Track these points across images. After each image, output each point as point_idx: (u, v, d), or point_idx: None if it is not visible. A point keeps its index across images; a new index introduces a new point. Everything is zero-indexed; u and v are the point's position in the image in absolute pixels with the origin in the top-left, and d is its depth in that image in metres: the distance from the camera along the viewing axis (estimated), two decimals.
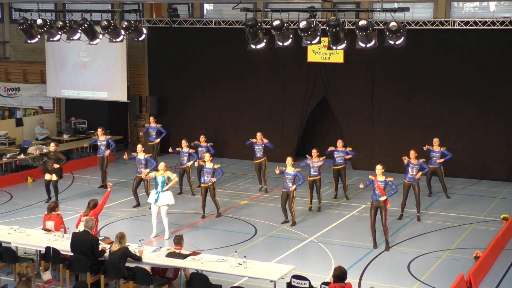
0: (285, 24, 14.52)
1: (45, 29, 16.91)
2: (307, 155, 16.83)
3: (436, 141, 17.72)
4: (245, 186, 19.00)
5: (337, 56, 21.18)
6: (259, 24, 14.73)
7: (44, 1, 17.82)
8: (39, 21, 16.83)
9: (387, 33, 14.25)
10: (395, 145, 20.60)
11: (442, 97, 20.66)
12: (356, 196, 18.12)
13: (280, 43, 14.99)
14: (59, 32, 17.08)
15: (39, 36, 17.31)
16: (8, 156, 20.57)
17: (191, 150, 18.10)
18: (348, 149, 17.74)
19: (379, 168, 14.19)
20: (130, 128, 25.16)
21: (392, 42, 14.43)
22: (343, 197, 17.94)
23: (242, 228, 15.52)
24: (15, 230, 12.68)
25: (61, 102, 25.96)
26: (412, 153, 16.04)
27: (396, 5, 15.38)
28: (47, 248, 11.72)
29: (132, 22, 16.65)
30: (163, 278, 11.50)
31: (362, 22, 14.09)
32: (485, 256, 12.89)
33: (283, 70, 22.43)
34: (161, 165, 14.82)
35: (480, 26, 19.58)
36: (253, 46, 15.18)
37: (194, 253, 11.53)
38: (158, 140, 20.51)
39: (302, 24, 14.24)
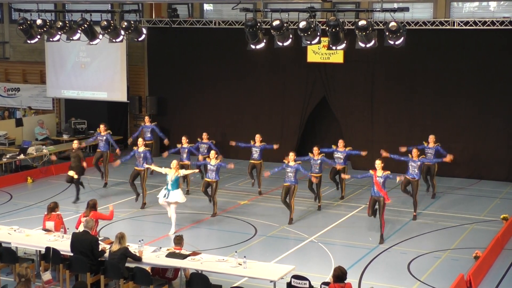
0: (285, 24, 14.53)
1: (44, 29, 16.93)
2: (309, 153, 16.79)
3: (432, 137, 17.67)
4: (245, 186, 18.99)
5: (337, 56, 21.19)
6: (258, 24, 14.74)
7: (44, 1, 17.82)
8: (38, 21, 16.84)
9: (387, 33, 14.27)
10: (395, 145, 20.50)
11: (441, 97, 20.66)
12: (356, 196, 18.13)
13: (280, 43, 15.00)
14: (59, 32, 17.09)
15: (38, 36, 17.33)
16: (8, 156, 20.57)
17: (190, 145, 18.26)
18: (348, 148, 17.68)
19: (378, 163, 14.44)
20: (130, 128, 25.15)
21: (391, 42, 14.44)
22: (340, 199, 17.88)
23: (242, 228, 15.52)
24: (15, 230, 12.67)
25: (61, 102, 25.96)
26: (415, 151, 16.08)
27: (395, 5, 15.37)
28: (47, 249, 11.72)
29: (132, 22, 16.67)
30: (163, 278, 11.50)
31: (362, 22, 14.11)
32: (485, 256, 12.89)
33: (282, 70, 22.43)
34: (174, 163, 15.13)
35: (479, 26, 19.58)
36: (252, 46, 15.19)
37: (194, 253, 11.53)
38: (152, 141, 20.58)
39: (302, 24, 14.26)
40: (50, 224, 12.77)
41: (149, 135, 20.51)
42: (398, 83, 21.16)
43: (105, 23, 16.35)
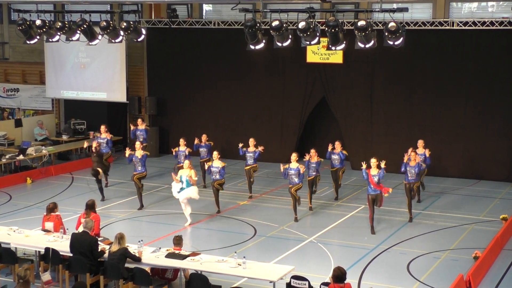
0: (284, 25, 14.53)
1: (44, 29, 16.92)
2: (305, 154, 16.78)
3: (420, 142, 17.39)
4: (245, 187, 18.97)
5: (336, 56, 21.19)
6: (258, 24, 14.73)
7: (43, 2, 17.81)
8: (38, 22, 16.84)
9: (386, 34, 14.26)
10: (394, 145, 20.60)
11: (441, 97, 20.67)
12: (355, 197, 18.12)
13: (279, 44, 14.99)
14: (58, 33, 17.09)
15: (38, 37, 17.32)
16: (7, 156, 20.56)
17: (188, 150, 18.09)
18: (344, 152, 17.60)
19: (373, 161, 14.86)
20: (129, 129, 25.10)
21: (391, 43, 14.44)
22: (342, 198, 17.88)
23: (241, 228, 15.52)
24: (14, 231, 12.66)
25: (60, 103, 25.95)
26: (413, 155, 16.06)
27: (395, 6, 15.35)
28: (47, 249, 11.71)
29: (131, 22, 16.67)
30: (162, 279, 11.50)
31: (361, 23, 14.11)
32: (485, 256, 12.89)
33: (282, 70, 22.43)
34: (186, 162, 15.53)
35: (479, 26, 19.59)
36: (252, 47, 15.18)
37: (194, 254, 11.52)
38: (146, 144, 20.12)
39: (301, 24, 14.26)
40: (49, 225, 12.77)
41: (142, 139, 19.95)
42: (397, 84, 21.16)
43: (105, 23, 16.35)
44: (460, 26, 19.85)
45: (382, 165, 14.77)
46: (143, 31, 17.32)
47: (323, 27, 14.80)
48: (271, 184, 19.48)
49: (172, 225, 15.52)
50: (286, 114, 22.55)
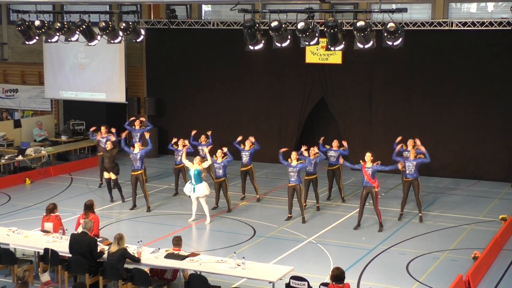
0: (283, 25, 14.53)
1: (43, 30, 16.92)
2: (302, 147, 16.71)
3: (410, 142, 16.83)
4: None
5: (335, 57, 21.19)
6: (257, 25, 14.74)
7: (42, 2, 17.81)
8: (37, 23, 16.84)
9: (385, 34, 14.27)
10: (393, 145, 20.59)
11: (440, 98, 20.68)
12: (355, 197, 18.10)
13: (278, 44, 15.00)
14: (57, 34, 17.09)
15: (37, 38, 17.32)
16: (6, 157, 20.56)
17: (186, 146, 17.83)
18: (342, 148, 17.25)
19: (368, 155, 15.20)
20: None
21: (390, 43, 14.45)
22: (339, 199, 17.83)
23: (240, 229, 15.52)
24: (13, 232, 12.66)
25: (59, 103, 25.94)
26: (412, 151, 16.06)
27: (394, 6, 15.37)
28: (46, 250, 11.70)
29: (130, 23, 16.68)
30: (161, 280, 11.50)
31: (360, 23, 14.12)
32: (484, 257, 12.89)
33: (281, 71, 22.43)
34: (196, 158, 15.71)
35: (478, 27, 19.59)
36: (251, 47, 15.19)
37: (193, 254, 11.52)
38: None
39: (300, 25, 14.27)
40: (48, 225, 12.77)
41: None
42: (396, 84, 21.17)
43: (104, 24, 16.35)
44: (459, 26, 19.86)
45: (376, 164, 15.03)
46: (142, 32, 17.33)
47: (322, 28, 14.79)
48: (271, 184, 19.47)
49: (171, 226, 15.52)
50: (285, 114, 22.55)
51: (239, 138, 17.98)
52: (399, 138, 16.96)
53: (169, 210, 17.03)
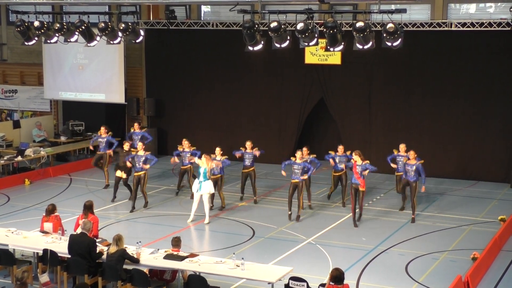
0: (283, 26, 14.54)
1: (42, 31, 16.92)
2: (304, 148, 16.73)
3: (402, 146, 16.92)
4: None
5: (335, 57, 21.20)
6: (256, 25, 14.74)
7: (42, 3, 17.80)
8: (36, 23, 16.84)
9: (385, 35, 14.28)
10: (392, 146, 20.53)
11: (439, 99, 20.68)
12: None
13: (278, 45, 15.00)
14: (56, 34, 17.09)
15: (36, 38, 17.31)
16: (5, 158, 20.54)
17: (192, 148, 17.80)
18: (348, 152, 16.99)
19: (357, 154, 15.54)
20: (128, 130, 25.11)
21: (389, 44, 14.45)
22: (338, 201, 17.71)
23: (239, 230, 15.51)
24: (12, 232, 12.65)
25: (59, 104, 25.94)
26: (412, 153, 16.04)
27: (393, 7, 15.36)
28: (45, 250, 11.70)
29: (130, 24, 16.67)
30: (161, 280, 11.50)
31: (360, 24, 14.12)
32: (483, 258, 12.89)
33: (280, 71, 22.43)
34: (203, 157, 15.90)
35: (477, 27, 19.60)
36: (250, 48, 15.19)
37: (192, 255, 11.52)
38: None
39: (300, 25, 14.27)
40: (48, 226, 12.76)
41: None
42: (395, 85, 21.18)
43: (103, 24, 16.34)
44: (458, 27, 19.85)
45: (364, 162, 15.43)
46: (142, 32, 17.32)
47: (321, 28, 14.79)
48: (270, 185, 19.46)
49: (170, 227, 15.52)
50: (284, 115, 22.54)
51: (242, 150, 17.72)
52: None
53: (168, 211, 17.03)
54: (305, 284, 10.41)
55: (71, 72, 24.53)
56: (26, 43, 17.49)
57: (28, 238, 12.40)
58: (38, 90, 25.98)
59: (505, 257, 13.69)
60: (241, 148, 17.76)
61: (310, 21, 14.50)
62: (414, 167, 15.87)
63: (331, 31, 14.27)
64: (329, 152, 17.37)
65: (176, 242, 11.79)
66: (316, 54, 21.40)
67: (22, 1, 17.67)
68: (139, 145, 17.21)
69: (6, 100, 26.67)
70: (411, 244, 14.48)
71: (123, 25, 16.53)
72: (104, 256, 11.35)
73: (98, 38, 16.91)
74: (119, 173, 17.55)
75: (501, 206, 17.54)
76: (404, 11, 14.54)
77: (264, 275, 10.75)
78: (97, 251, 11.38)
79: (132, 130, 20.21)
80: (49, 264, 11.74)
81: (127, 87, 24.04)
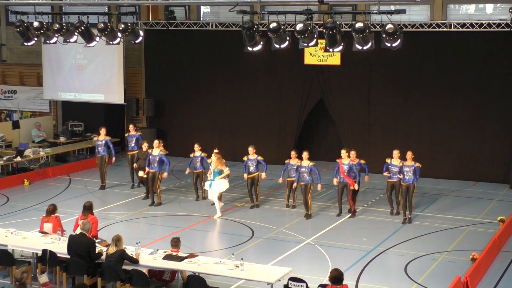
0: (282, 27, 14.54)
1: (41, 31, 16.92)
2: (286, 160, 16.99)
3: (396, 153, 16.31)
4: (242, 188, 18.96)
5: (334, 58, 21.20)
6: (256, 26, 14.74)
7: (41, 3, 17.80)
8: (35, 24, 16.83)
9: (384, 36, 14.28)
10: (391, 147, 20.48)
11: (438, 99, 20.68)
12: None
13: (277, 46, 15.01)
14: (56, 35, 17.08)
15: (35, 39, 17.32)
16: (4, 158, 20.53)
17: (203, 154, 17.67)
18: (362, 161, 16.60)
19: (343, 152, 16.10)
20: (127, 131, 25.08)
21: (388, 45, 14.45)
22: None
23: (239, 230, 15.52)
24: (11, 233, 12.65)
25: (58, 104, 25.93)
26: (409, 154, 16.00)
27: (392, 8, 15.38)
28: (44, 251, 11.70)
29: (129, 24, 16.67)
30: (160, 281, 11.50)
31: (359, 25, 14.13)
32: (482, 258, 12.90)
33: (279, 72, 22.44)
34: (213, 155, 16.45)
35: (476, 28, 19.61)
36: (250, 49, 15.19)
37: (191, 256, 11.52)
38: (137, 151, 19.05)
39: (299, 26, 14.28)
40: (48, 226, 12.77)
41: (133, 144, 19.25)
42: (395, 85, 21.18)
43: (102, 25, 16.34)
44: (458, 28, 19.87)
45: (351, 161, 15.99)
46: (141, 33, 17.32)
47: (320, 29, 14.80)
48: (269, 186, 19.46)
49: (170, 227, 15.52)
50: (283, 115, 22.54)
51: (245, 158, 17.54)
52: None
53: (168, 211, 17.03)
54: (304, 284, 10.42)
55: (70, 73, 24.52)
56: (26, 44, 17.50)
57: (27, 239, 12.40)
58: (37, 90, 25.97)
59: (504, 257, 13.70)
60: (243, 158, 17.41)
61: (309, 22, 14.50)
62: (413, 168, 15.85)
63: (331, 32, 14.28)
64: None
65: (175, 243, 11.79)
66: (316, 54, 21.40)
67: (22, 1, 17.68)
68: (155, 143, 17.46)
69: (6, 101, 26.67)
70: (410, 245, 14.48)
71: (122, 26, 16.53)
72: (104, 257, 11.35)
73: (97, 38, 16.91)
74: (141, 173, 17.82)
75: (501, 207, 17.55)
76: (403, 11, 14.55)
77: (263, 276, 10.75)
78: (96, 252, 11.38)
79: (126, 134, 19.85)
80: (48, 264, 11.74)
81: (127, 87, 24.04)
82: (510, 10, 18.58)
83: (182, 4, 22.12)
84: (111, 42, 16.95)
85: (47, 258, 11.64)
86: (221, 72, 23.16)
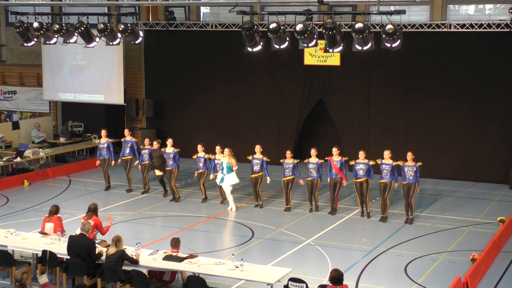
0: (282, 27, 14.55)
1: (41, 32, 16.93)
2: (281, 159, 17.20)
3: (387, 153, 16.31)
4: (242, 189, 18.97)
5: (334, 59, 21.20)
6: (255, 27, 14.76)
7: (41, 4, 17.80)
8: (35, 24, 16.84)
9: (384, 36, 14.29)
10: (391, 147, 20.50)
11: (438, 100, 20.69)
12: (353, 199, 18.09)
13: (277, 46, 15.02)
14: (56, 35, 17.09)
15: (35, 39, 17.32)
16: (4, 159, 20.53)
17: (206, 155, 17.66)
18: (371, 163, 16.38)
19: (334, 150, 16.50)
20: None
21: (388, 45, 14.46)
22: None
23: (239, 231, 15.52)
24: (11, 234, 12.65)
25: (58, 105, 25.93)
26: (409, 155, 16.01)
27: (392, 8, 15.41)
28: (44, 252, 11.70)
29: (129, 25, 16.68)
30: (160, 281, 11.50)
31: (359, 25, 14.14)
32: (482, 259, 12.90)
33: (279, 73, 22.44)
34: (226, 151, 16.82)
35: (476, 28, 19.61)
36: (249, 49, 15.21)
37: (191, 256, 11.52)
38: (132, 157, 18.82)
39: (299, 27, 14.29)
40: (50, 225, 12.81)
41: (128, 151, 18.77)
42: (394, 86, 21.19)
43: (102, 26, 16.35)
44: (457, 28, 19.87)
45: (344, 158, 16.59)
46: (141, 34, 17.33)
47: (320, 30, 14.80)
48: (269, 186, 19.44)
49: (169, 228, 15.52)
50: (283, 116, 22.55)
51: (249, 158, 17.61)
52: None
53: (168, 212, 17.03)
54: (304, 285, 10.42)
55: (70, 73, 24.52)
56: (25, 44, 17.50)
57: (27, 239, 12.40)
58: (37, 91, 25.97)
59: (504, 258, 13.70)
60: (248, 158, 17.51)
61: (309, 22, 14.51)
62: (414, 169, 15.86)
63: (330, 32, 14.29)
64: (351, 161, 16.75)
65: (175, 243, 11.79)
66: (315, 55, 21.41)
67: (22, 2, 17.68)
68: (169, 141, 17.88)
69: (5, 101, 26.66)
70: (410, 245, 14.48)
71: (122, 26, 16.54)
72: (103, 257, 11.36)
73: (97, 39, 16.92)
74: (157, 172, 18.05)
75: (500, 207, 17.55)
76: (403, 12, 14.56)
77: (263, 276, 10.76)
78: (96, 252, 11.38)
79: (122, 139, 19.26)
80: (48, 265, 11.74)
81: (126, 88, 24.04)
82: (510, 11, 18.59)
83: (181, 4, 22.12)
84: (110, 43, 16.96)
85: (47, 259, 11.64)
86: (221, 72, 23.16)
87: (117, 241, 11.14)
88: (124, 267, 11.14)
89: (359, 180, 16.38)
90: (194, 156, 17.88)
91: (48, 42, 17.54)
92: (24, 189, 19.53)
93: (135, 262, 11.19)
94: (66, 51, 23.62)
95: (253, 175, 17.29)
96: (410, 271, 12.87)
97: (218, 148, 17.47)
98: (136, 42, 17.43)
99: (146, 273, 11.34)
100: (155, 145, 18.00)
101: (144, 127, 24.24)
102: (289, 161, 16.88)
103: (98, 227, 12.61)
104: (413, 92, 21.01)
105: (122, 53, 23.47)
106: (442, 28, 20.05)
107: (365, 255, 13.79)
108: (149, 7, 23.26)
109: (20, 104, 26.22)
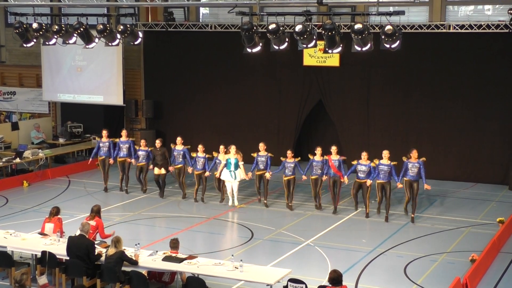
0: (281, 28, 14.57)
1: (40, 33, 16.94)
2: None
3: (386, 153, 16.31)
4: (242, 189, 18.95)
5: (333, 59, 21.20)
6: (255, 27, 14.77)
7: (40, 5, 17.81)
8: (34, 25, 16.86)
9: (383, 37, 14.31)
10: (391, 148, 20.51)
11: (437, 100, 20.70)
12: (353, 199, 18.07)
13: (276, 47, 15.03)
14: (55, 36, 17.11)
15: (34, 40, 17.34)
16: (4, 160, 20.52)
17: (207, 155, 17.65)
18: (372, 164, 16.33)
19: (333, 149, 16.63)
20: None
21: (387, 46, 14.48)
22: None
23: (238, 231, 15.52)
24: (11, 234, 12.65)
25: (57, 106, 25.92)
26: (414, 152, 16.05)
27: (391, 9, 15.43)
28: (43, 252, 11.70)
29: (128, 26, 16.71)
30: (159, 282, 11.50)
31: (358, 26, 14.16)
32: (481, 259, 12.90)
33: (279, 73, 22.44)
34: (233, 148, 17.18)
35: (475, 29, 19.62)
36: (249, 50, 15.22)
37: (191, 257, 11.52)
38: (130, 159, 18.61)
39: (298, 27, 14.30)
40: (50, 226, 12.81)
41: (125, 152, 18.62)
42: (394, 87, 21.19)
43: (101, 26, 16.36)
44: (457, 29, 19.88)
45: (342, 158, 16.78)
46: (140, 34, 17.35)
47: (319, 30, 14.82)
48: (268, 187, 19.44)
49: (169, 228, 15.51)
50: (283, 117, 22.55)
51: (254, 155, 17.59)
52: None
53: (167, 212, 17.03)
54: (303, 286, 10.42)
55: (69, 74, 24.52)
56: (25, 45, 17.51)
57: (27, 240, 12.40)
58: (36, 92, 25.95)
59: (504, 259, 13.70)
60: (252, 155, 17.49)
61: (308, 23, 14.52)
62: (417, 165, 15.89)
63: (330, 33, 14.30)
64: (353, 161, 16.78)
65: (175, 244, 11.79)
66: (315, 56, 21.41)
67: (21, 2, 17.69)
68: (178, 139, 18.07)
69: (5, 102, 26.66)
70: (410, 246, 14.48)
71: (121, 27, 16.56)
72: (103, 258, 11.35)
73: (96, 40, 16.94)
74: (157, 171, 18.04)
75: (500, 208, 17.55)
76: (402, 13, 14.58)
77: (262, 277, 10.76)
78: (96, 253, 11.38)
79: (117, 140, 19.00)
80: (47, 266, 11.74)
81: (126, 89, 24.03)
82: (509, 11, 18.61)
83: (181, 5, 22.11)
84: (110, 44, 16.97)
85: (46, 260, 11.64)
86: (220, 73, 23.16)
87: (116, 242, 11.14)
88: (123, 268, 11.14)
89: (359, 181, 16.47)
90: (194, 154, 17.87)
91: (47, 43, 17.56)
92: (24, 190, 19.52)
93: (134, 263, 11.19)
94: (66, 52, 23.61)
95: (258, 172, 17.35)
96: (410, 272, 12.87)
97: (222, 147, 17.46)
98: (136, 43, 17.45)
99: (146, 274, 11.33)
100: (158, 143, 18.08)
101: (144, 128, 24.23)
102: (290, 160, 16.85)
103: (100, 229, 12.60)
104: (413, 92, 21.02)
105: (121, 54, 23.46)
106: (442, 29, 20.05)
107: (364, 255, 13.79)
108: (148, 8, 23.26)
109: (20, 105, 26.21)
